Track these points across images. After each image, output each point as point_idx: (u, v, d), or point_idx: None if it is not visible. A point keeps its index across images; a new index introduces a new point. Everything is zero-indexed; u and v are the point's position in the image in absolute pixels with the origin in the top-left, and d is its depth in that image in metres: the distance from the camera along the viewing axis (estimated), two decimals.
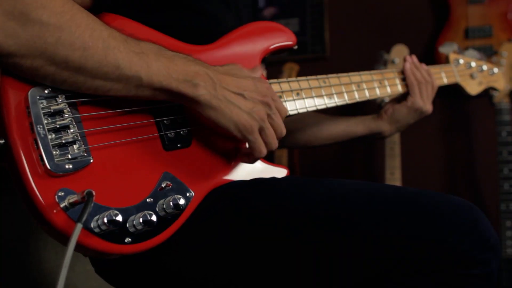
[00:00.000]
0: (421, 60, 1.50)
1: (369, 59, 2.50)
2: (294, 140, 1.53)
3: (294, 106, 1.15)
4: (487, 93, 2.38)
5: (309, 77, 1.20)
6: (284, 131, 1.00)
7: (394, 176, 2.45)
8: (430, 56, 2.66)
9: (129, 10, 0.98)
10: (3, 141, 0.79)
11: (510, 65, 2.25)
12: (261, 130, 0.96)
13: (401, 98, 1.48)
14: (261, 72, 1.08)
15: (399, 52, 2.43)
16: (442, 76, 1.53)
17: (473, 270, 0.87)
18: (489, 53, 2.29)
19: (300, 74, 2.75)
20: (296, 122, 1.51)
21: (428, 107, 1.47)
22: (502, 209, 2.28)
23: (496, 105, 2.33)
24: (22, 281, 1.44)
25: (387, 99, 2.40)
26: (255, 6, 1.39)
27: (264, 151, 0.97)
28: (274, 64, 2.52)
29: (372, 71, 1.39)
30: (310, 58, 2.98)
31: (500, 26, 2.53)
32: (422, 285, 0.88)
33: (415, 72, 1.45)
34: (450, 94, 2.53)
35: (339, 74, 1.28)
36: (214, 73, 0.92)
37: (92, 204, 0.78)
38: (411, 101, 1.45)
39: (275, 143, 0.99)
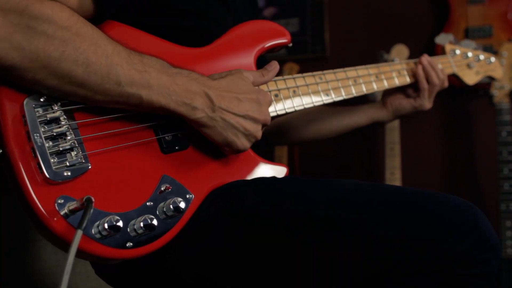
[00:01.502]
0: None
1: (369, 59, 2.49)
2: (300, 137, 1.54)
3: (291, 104, 1.15)
4: (487, 93, 2.39)
5: (305, 74, 1.20)
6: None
7: (394, 176, 2.45)
8: (430, 55, 2.65)
9: (130, 14, 0.98)
10: (1, 150, 0.79)
11: (510, 65, 2.25)
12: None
13: (407, 92, 1.47)
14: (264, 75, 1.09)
15: (399, 52, 2.43)
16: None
17: (473, 270, 0.87)
18: None
19: None
20: (301, 119, 1.51)
21: (431, 105, 1.48)
22: (502, 209, 2.28)
23: (496, 105, 2.33)
24: (22, 281, 1.44)
25: None
26: (254, 6, 1.39)
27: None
28: None
29: (368, 65, 1.37)
30: (310, 58, 2.98)
31: (500, 26, 2.53)
32: (422, 285, 0.87)
33: (431, 74, 1.43)
34: (451, 94, 2.54)
35: (335, 70, 1.27)
36: (215, 93, 0.92)
37: (92, 210, 0.78)
38: (419, 103, 1.46)
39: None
